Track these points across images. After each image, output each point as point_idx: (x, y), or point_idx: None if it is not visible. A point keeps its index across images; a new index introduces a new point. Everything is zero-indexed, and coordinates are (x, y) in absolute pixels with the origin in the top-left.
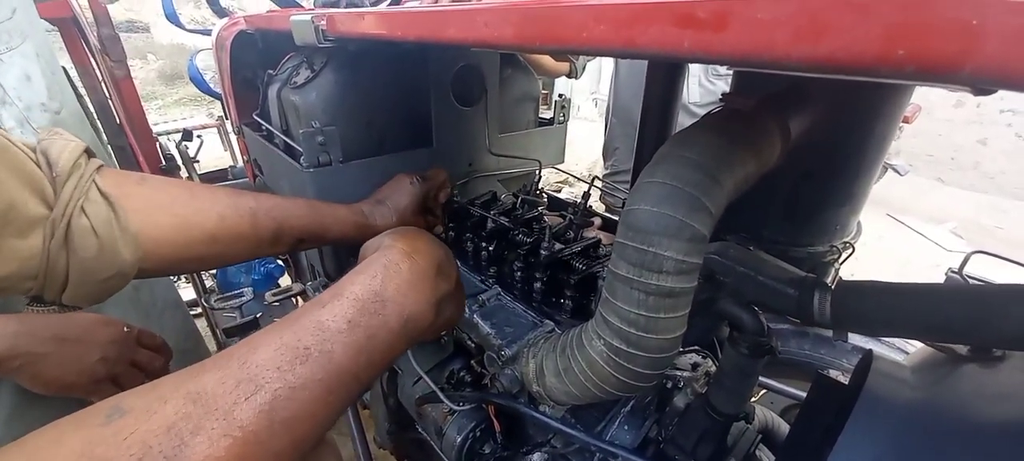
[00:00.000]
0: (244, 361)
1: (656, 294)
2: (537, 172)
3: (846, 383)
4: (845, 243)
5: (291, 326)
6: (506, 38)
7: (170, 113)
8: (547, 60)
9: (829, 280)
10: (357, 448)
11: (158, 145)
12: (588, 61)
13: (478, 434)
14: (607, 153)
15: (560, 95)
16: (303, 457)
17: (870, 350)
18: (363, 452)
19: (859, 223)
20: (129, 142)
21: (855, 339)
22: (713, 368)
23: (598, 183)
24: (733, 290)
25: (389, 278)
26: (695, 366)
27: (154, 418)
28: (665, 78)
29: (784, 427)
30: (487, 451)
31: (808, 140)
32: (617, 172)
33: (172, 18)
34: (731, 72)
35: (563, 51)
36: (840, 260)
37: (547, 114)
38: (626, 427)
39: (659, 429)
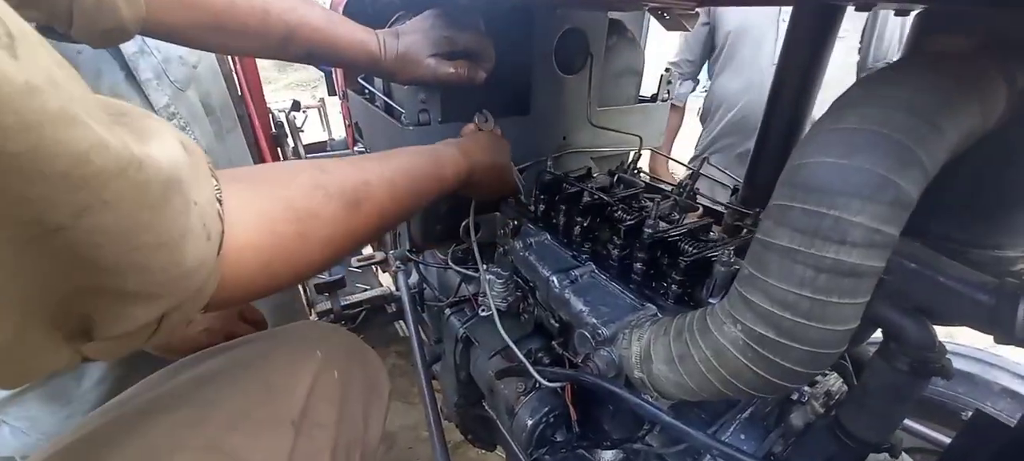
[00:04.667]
0: (390, 180)
1: (831, 271)
2: (636, 151)
3: (1011, 425)
4: None
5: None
6: None
7: (280, 95)
8: None
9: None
10: (428, 414)
11: (271, 115)
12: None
13: (552, 420)
14: (706, 116)
15: (667, 69)
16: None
17: None
18: (434, 417)
19: None
20: (248, 110)
21: (1003, 380)
22: (836, 385)
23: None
24: (895, 290)
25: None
26: (813, 382)
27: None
28: (814, 22)
29: None
30: (559, 439)
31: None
32: (716, 141)
33: None
34: None
35: None
36: None
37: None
38: (742, 436)
39: (785, 445)
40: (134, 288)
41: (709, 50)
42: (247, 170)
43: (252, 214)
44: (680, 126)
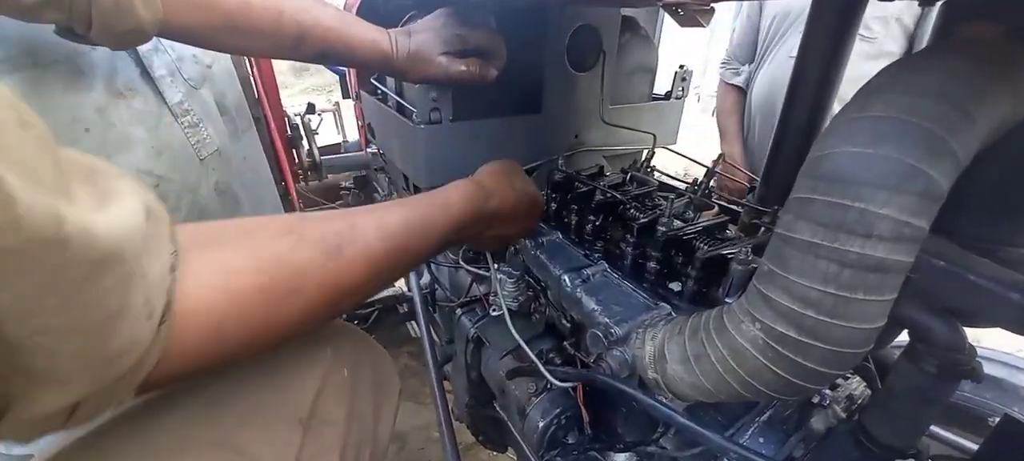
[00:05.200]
0: (380, 220)
1: (856, 267)
2: (650, 150)
3: None
4: None
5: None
6: None
7: (296, 100)
8: None
9: None
10: (440, 414)
11: (286, 118)
12: None
13: (563, 421)
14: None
15: (681, 66)
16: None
17: None
18: (445, 418)
19: None
20: (264, 112)
21: None
22: (859, 389)
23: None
24: (922, 289)
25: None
26: (834, 386)
27: (329, 217)
28: (834, 12)
29: None
30: (571, 441)
31: None
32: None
33: None
34: None
35: None
36: None
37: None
38: (761, 440)
39: (805, 449)
40: (41, 370)
41: (755, 36)
42: (218, 225)
43: (207, 272)
44: (744, 110)
